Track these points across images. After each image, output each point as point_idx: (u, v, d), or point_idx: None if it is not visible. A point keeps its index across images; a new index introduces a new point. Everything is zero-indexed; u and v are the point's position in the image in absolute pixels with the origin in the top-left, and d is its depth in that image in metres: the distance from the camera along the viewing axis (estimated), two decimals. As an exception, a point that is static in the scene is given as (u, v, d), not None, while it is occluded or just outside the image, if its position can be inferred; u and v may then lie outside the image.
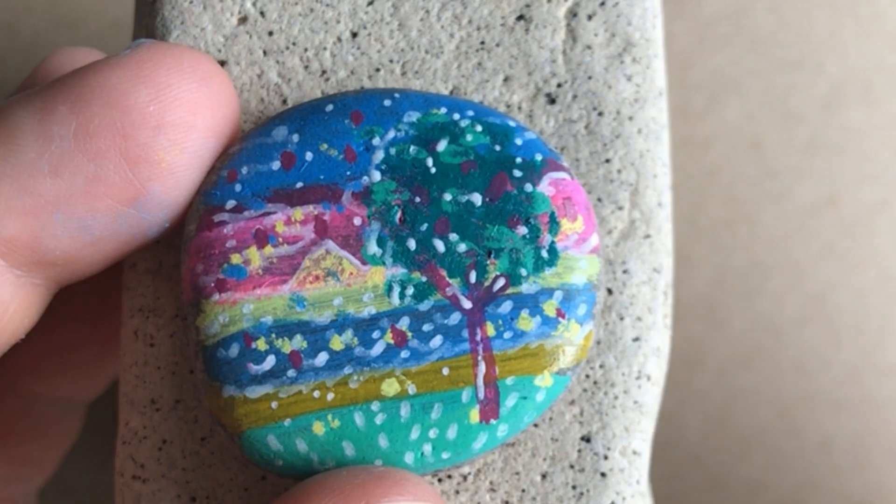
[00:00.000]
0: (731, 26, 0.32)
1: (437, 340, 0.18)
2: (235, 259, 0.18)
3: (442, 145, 0.19)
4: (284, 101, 0.20)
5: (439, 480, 0.20)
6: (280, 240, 0.19)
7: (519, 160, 0.19)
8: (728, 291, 0.32)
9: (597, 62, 0.21)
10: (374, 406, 0.18)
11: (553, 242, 0.19)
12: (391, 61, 0.21)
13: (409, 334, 0.18)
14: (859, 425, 0.31)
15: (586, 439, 0.20)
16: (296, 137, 0.19)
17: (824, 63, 0.32)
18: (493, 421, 0.18)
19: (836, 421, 0.31)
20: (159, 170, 0.18)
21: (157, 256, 0.20)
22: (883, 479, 0.31)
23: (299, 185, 0.19)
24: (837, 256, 0.32)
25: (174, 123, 0.18)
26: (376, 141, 0.19)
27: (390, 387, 0.18)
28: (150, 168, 0.18)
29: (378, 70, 0.21)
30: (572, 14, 0.21)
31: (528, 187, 0.19)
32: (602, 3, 0.21)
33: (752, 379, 0.32)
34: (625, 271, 0.20)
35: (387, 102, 0.19)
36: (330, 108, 0.19)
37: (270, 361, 0.18)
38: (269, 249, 0.19)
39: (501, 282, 0.18)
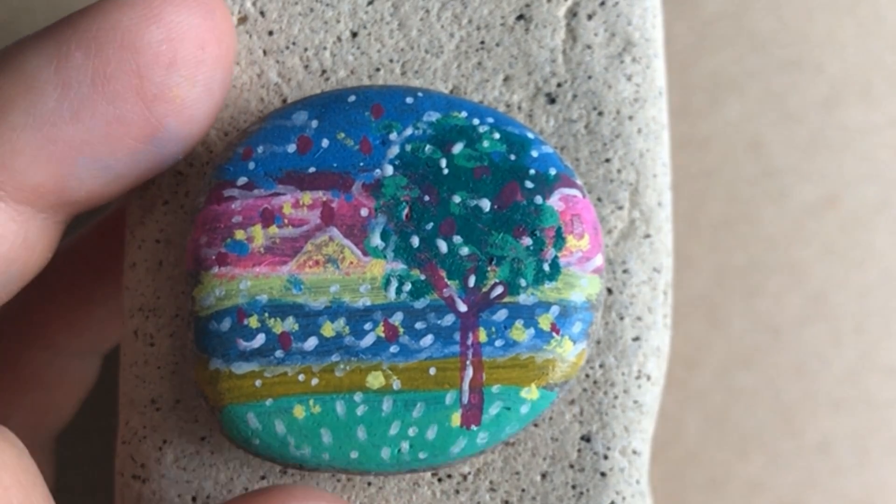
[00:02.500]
0: (731, 26, 0.32)
1: (428, 339, 0.18)
2: (239, 235, 0.19)
3: (458, 148, 0.19)
4: (284, 101, 0.21)
5: (439, 480, 0.20)
6: (286, 221, 0.19)
7: (532, 172, 0.19)
8: (728, 291, 0.32)
9: (597, 62, 0.21)
10: (357, 397, 0.18)
11: (556, 257, 0.19)
12: (391, 61, 0.21)
13: (401, 330, 0.18)
14: (859, 425, 0.31)
15: (586, 439, 0.20)
16: (315, 123, 0.19)
17: (824, 63, 0.32)
18: (473, 427, 0.18)
19: (836, 421, 0.31)
20: (174, 106, 0.18)
21: (156, 256, 0.20)
22: (883, 479, 0.31)
23: (312, 169, 0.19)
24: (837, 256, 0.32)
25: (185, 59, 0.18)
26: (393, 136, 0.19)
27: (375, 380, 0.18)
28: (166, 105, 0.18)
29: (378, 70, 0.21)
30: (572, 14, 0.21)
31: (538, 200, 0.19)
32: (602, 3, 0.21)
33: (752, 379, 0.32)
34: (625, 271, 0.20)
35: (409, 100, 0.19)
36: (352, 98, 0.19)
37: (260, 339, 0.18)
38: (273, 229, 0.19)
39: (499, 289, 0.18)
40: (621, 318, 0.20)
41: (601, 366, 0.20)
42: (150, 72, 0.18)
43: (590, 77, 0.20)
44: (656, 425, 0.21)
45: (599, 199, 0.20)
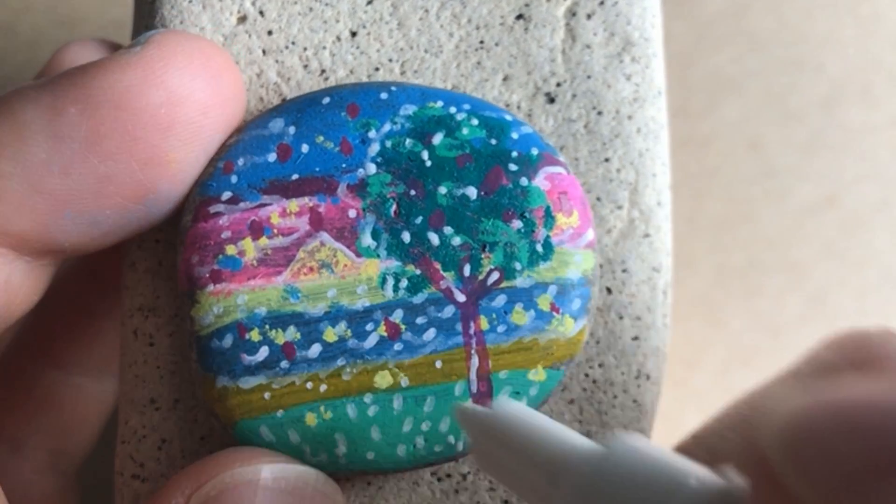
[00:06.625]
0: (731, 26, 0.32)
1: (431, 333, 0.18)
2: (230, 250, 0.19)
3: (438, 139, 0.19)
4: (283, 101, 0.20)
5: (439, 480, 0.20)
6: (275, 231, 0.19)
7: (515, 154, 0.19)
8: (728, 291, 0.32)
9: (596, 61, 0.21)
10: (367, 398, 0.18)
11: (548, 237, 0.19)
12: (390, 60, 0.21)
13: (403, 327, 0.18)
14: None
15: (585, 438, 0.20)
16: (292, 129, 0.19)
17: (824, 63, 0.32)
18: None
19: (836, 421, 0.31)
20: (169, 169, 0.18)
21: (156, 256, 0.20)
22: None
23: (295, 176, 0.19)
24: (837, 256, 0.32)
25: (184, 124, 0.18)
26: (372, 134, 0.19)
27: (383, 379, 0.18)
28: (160, 168, 0.18)
29: (377, 69, 0.21)
30: (571, 13, 0.21)
31: (524, 181, 0.19)
32: (601, 3, 0.21)
33: (752, 379, 0.32)
34: (624, 270, 0.20)
35: (383, 95, 0.19)
36: (326, 100, 0.19)
37: (264, 352, 0.18)
38: (263, 241, 0.19)
39: (496, 275, 0.19)
40: (620, 318, 0.20)
41: (601, 365, 0.20)
42: (146, 134, 0.18)
43: (589, 77, 0.20)
44: (656, 425, 0.21)
45: (599, 199, 0.20)
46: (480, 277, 0.18)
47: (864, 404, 0.11)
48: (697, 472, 0.13)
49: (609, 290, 0.20)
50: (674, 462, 0.13)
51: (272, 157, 0.19)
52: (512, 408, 0.16)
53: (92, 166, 0.18)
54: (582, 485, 0.14)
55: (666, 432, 0.31)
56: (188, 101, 0.18)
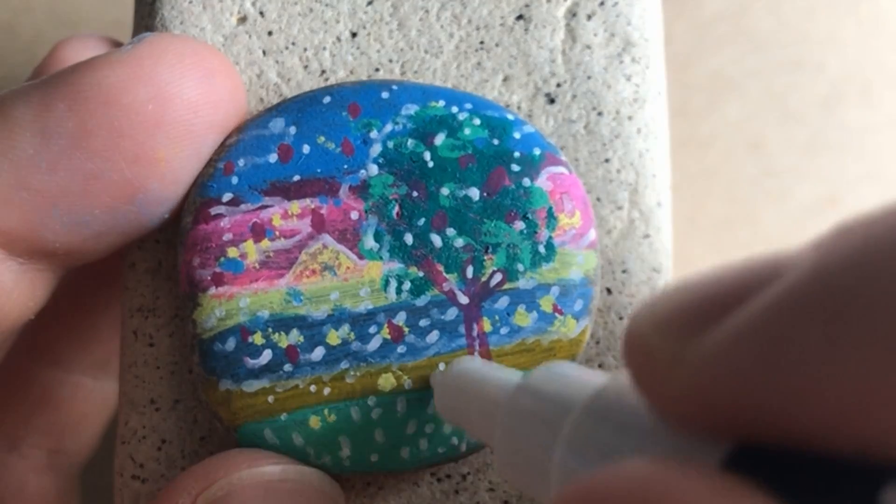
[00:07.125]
0: (731, 26, 0.32)
1: (434, 336, 0.18)
2: (232, 252, 0.18)
3: (440, 139, 0.19)
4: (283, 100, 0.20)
5: (438, 480, 0.20)
6: (277, 233, 0.19)
7: (517, 154, 0.19)
8: (728, 291, 0.32)
9: (596, 62, 0.20)
10: (371, 401, 0.18)
11: (550, 238, 0.19)
12: (390, 61, 0.21)
13: (406, 329, 0.18)
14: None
15: (585, 439, 0.20)
16: (293, 130, 0.19)
17: (824, 63, 0.32)
18: None
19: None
20: (157, 168, 0.18)
21: (156, 256, 0.20)
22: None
23: (296, 178, 0.19)
24: (837, 256, 0.32)
25: (174, 122, 0.18)
26: (374, 134, 0.19)
27: (387, 382, 0.18)
28: (149, 167, 0.18)
29: (377, 70, 0.21)
30: (571, 14, 0.21)
31: (526, 182, 0.19)
32: (601, 3, 0.21)
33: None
34: (624, 271, 0.20)
35: (385, 95, 0.19)
36: (327, 99, 0.19)
37: (267, 356, 0.18)
38: (265, 243, 0.19)
39: (498, 277, 0.19)
40: (620, 319, 0.20)
41: (600, 366, 0.20)
42: (133, 131, 0.18)
43: (589, 77, 0.20)
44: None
45: (599, 199, 0.20)
46: (483, 279, 0.18)
47: None
48: (600, 377, 0.14)
49: (609, 291, 0.20)
50: (581, 373, 0.14)
51: (273, 157, 0.19)
52: (466, 361, 0.17)
53: (79, 163, 0.18)
54: (511, 407, 0.15)
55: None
56: (177, 100, 0.18)
